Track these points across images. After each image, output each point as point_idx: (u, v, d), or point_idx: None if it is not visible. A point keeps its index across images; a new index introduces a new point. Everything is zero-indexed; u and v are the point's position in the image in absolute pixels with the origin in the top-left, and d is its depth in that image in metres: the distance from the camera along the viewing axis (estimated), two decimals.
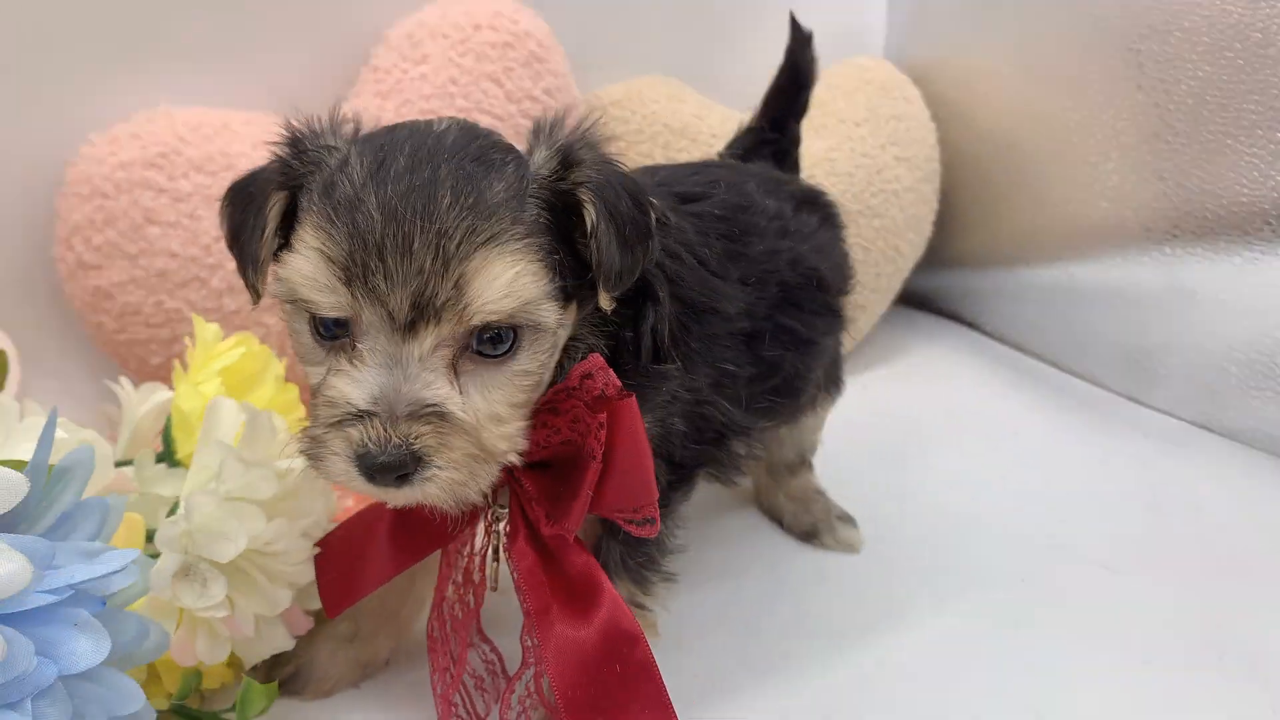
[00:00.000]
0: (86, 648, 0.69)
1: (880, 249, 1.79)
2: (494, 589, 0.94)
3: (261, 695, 0.89)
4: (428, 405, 0.74)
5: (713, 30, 1.88)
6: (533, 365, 0.79)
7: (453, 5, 1.48)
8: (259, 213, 0.82)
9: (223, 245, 1.18)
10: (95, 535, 0.79)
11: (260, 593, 0.93)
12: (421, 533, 0.93)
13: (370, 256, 0.73)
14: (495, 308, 0.74)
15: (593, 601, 0.86)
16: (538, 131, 0.83)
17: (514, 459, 0.80)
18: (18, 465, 0.76)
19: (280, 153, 0.83)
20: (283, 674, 1.00)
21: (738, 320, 0.98)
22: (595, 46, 1.76)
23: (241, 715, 0.89)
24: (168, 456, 1.08)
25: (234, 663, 0.97)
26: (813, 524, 1.31)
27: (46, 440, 0.77)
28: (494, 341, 0.77)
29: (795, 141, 1.32)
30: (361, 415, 0.74)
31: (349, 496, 1.15)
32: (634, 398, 0.80)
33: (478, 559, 0.95)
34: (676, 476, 0.97)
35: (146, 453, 1.07)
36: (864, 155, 1.78)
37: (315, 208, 0.76)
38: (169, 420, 1.09)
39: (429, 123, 0.83)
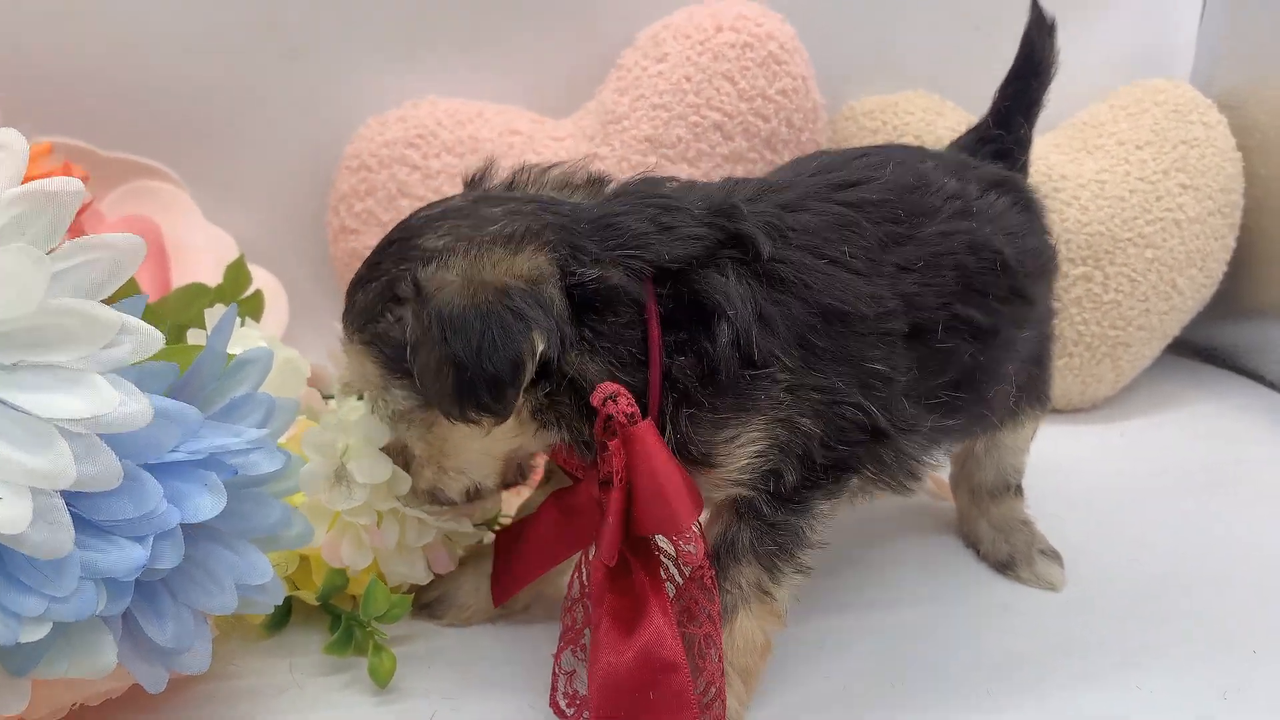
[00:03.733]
0: (207, 504, 0.78)
1: (1151, 282, 1.62)
2: None
3: (386, 599, 0.96)
4: None
5: (986, 50, 1.80)
6: (409, 428, 0.94)
7: (700, 9, 1.54)
8: None
9: None
10: (258, 425, 0.89)
11: (407, 523, 1.00)
12: (571, 533, 0.99)
13: None
14: (351, 383, 0.95)
15: (636, 625, 0.87)
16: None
17: (455, 496, 0.97)
18: (195, 350, 0.88)
19: None
20: (428, 597, 1.07)
21: (887, 320, 0.93)
22: (859, 60, 1.75)
23: (365, 611, 0.96)
24: None
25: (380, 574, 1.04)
26: (1010, 554, 1.20)
27: (224, 329, 0.87)
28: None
29: (1021, 143, 1.22)
30: None
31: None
32: (648, 423, 0.84)
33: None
34: (817, 476, 0.92)
35: (350, 386, 1.19)
36: (1141, 179, 1.63)
37: None
38: None
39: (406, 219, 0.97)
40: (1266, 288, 1.78)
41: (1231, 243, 1.71)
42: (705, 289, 0.87)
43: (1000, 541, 1.22)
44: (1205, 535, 1.30)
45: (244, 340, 1.03)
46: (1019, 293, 1.03)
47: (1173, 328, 1.70)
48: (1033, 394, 1.17)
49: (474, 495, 0.97)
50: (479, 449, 0.93)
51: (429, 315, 0.81)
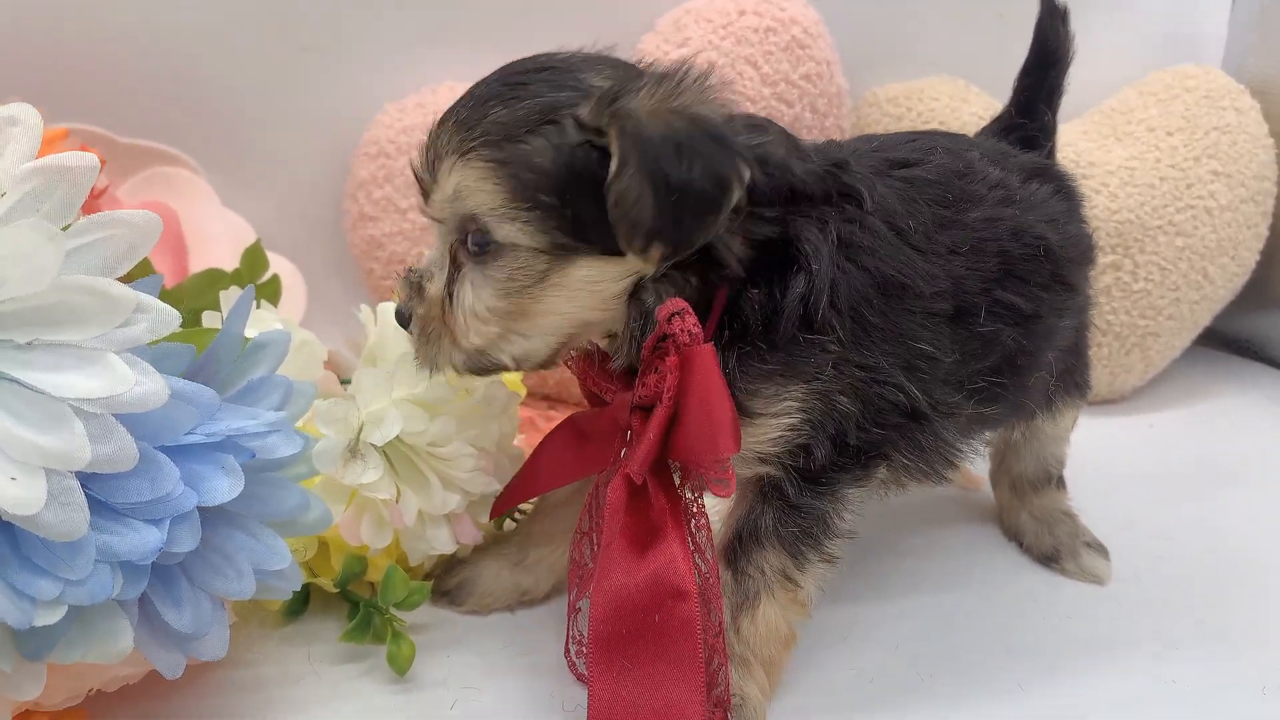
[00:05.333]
0: (224, 486, 0.77)
1: (1182, 271, 1.59)
2: None
3: (405, 585, 0.95)
4: (420, 274, 0.91)
5: (1010, 36, 1.77)
6: (501, 275, 0.85)
7: None
8: None
9: None
10: (276, 408, 0.88)
11: (429, 491, 0.99)
12: (585, 456, 0.98)
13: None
14: (443, 204, 0.86)
15: (651, 547, 0.86)
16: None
17: (505, 360, 0.89)
18: (212, 333, 0.87)
19: None
20: (448, 584, 1.06)
21: (938, 300, 0.92)
22: (882, 45, 1.73)
23: (384, 598, 0.94)
24: None
25: (400, 559, 1.03)
26: (1054, 546, 1.18)
27: (240, 311, 0.86)
28: (478, 244, 0.86)
29: (1046, 130, 1.21)
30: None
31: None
32: (710, 346, 0.82)
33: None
34: (847, 459, 0.91)
35: (366, 369, 1.18)
36: (1172, 166, 1.60)
37: None
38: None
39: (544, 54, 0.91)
40: None
41: (1264, 231, 1.68)
42: (800, 235, 0.86)
43: (1043, 534, 1.20)
44: (1236, 530, 1.28)
45: (260, 323, 1.01)
46: (1061, 279, 1.02)
47: (1203, 317, 1.67)
48: (1070, 382, 1.16)
49: (519, 364, 0.91)
50: (568, 310, 0.87)
51: (631, 138, 0.78)
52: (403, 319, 0.92)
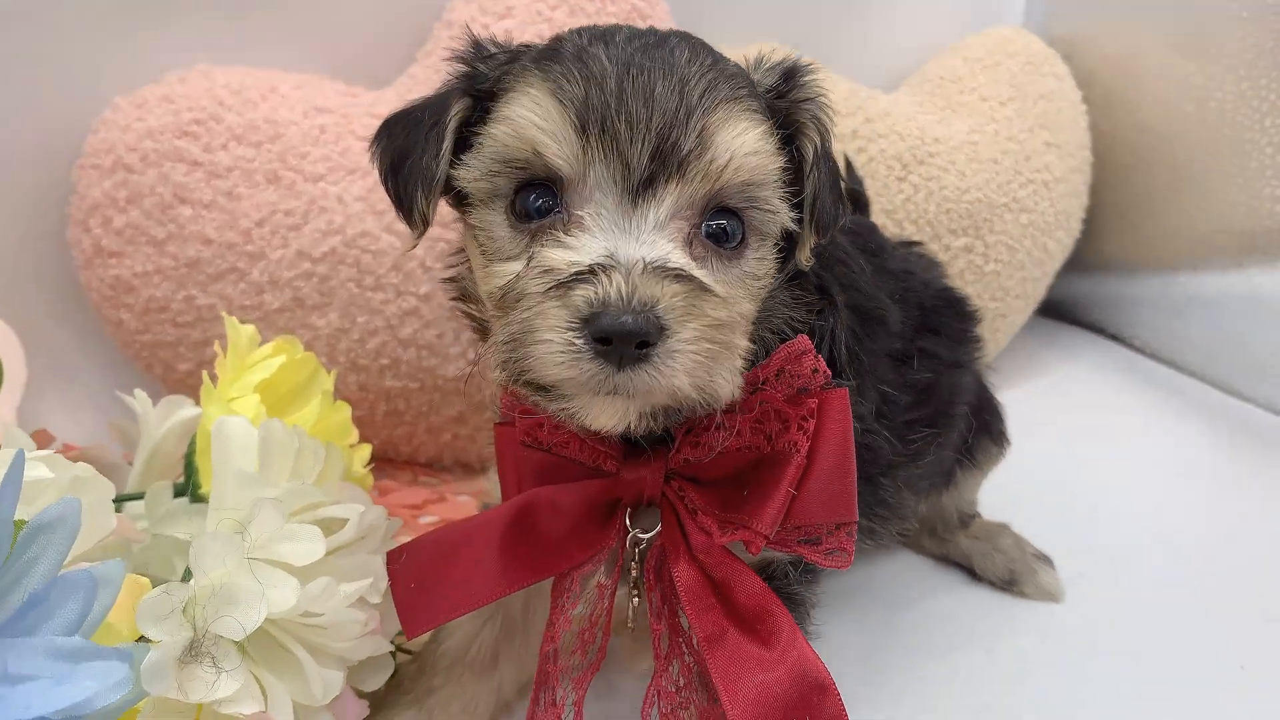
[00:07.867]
0: None
1: (1027, 249, 1.53)
2: (631, 628, 0.78)
3: None
4: (673, 266, 0.62)
5: (846, 11, 1.64)
6: (759, 270, 0.70)
7: None
8: (436, 124, 0.72)
9: (265, 231, 1.05)
10: (77, 625, 0.58)
11: (303, 676, 0.70)
12: (542, 550, 0.75)
13: (609, 99, 0.64)
14: (742, 164, 0.66)
15: (775, 635, 0.71)
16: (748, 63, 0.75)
17: (733, 389, 0.66)
18: None
19: (460, 66, 0.75)
20: None
21: (894, 339, 0.87)
22: (707, 12, 1.53)
23: None
24: (190, 490, 0.86)
25: None
26: (1009, 568, 1.14)
27: (11, 491, 0.55)
28: (723, 233, 0.68)
29: None
30: (592, 271, 0.61)
31: None
32: (845, 391, 0.70)
33: (607, 593, 0.75)
34: None
35: (163, 485, 0.86)
36: (1010, 139, 1.53)
37: (532, 68, 0.68)
38: (192, 445, 0.87)
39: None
40: (1106, 243, 1.75)
41: (1086, 200, 1.66)
42: (819, 272, 0.77)
43: (991, 552, 1.16)
44: (1088, 511, 1.31)
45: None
46: (967, 333, 1.02)
47: (1041, 291, 1.64)
48: (995, 432, 1.12)
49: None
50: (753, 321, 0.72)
51: (825, 119, 0.74)
52: (643, 328, 0.59)
